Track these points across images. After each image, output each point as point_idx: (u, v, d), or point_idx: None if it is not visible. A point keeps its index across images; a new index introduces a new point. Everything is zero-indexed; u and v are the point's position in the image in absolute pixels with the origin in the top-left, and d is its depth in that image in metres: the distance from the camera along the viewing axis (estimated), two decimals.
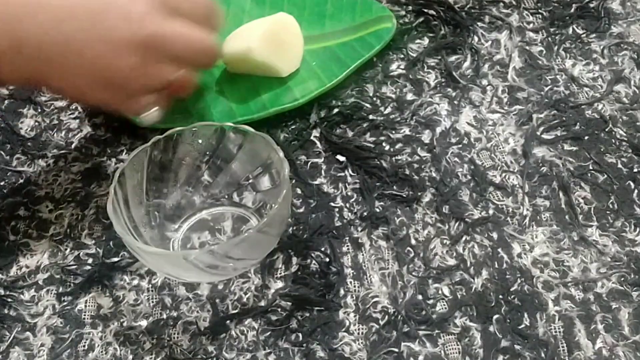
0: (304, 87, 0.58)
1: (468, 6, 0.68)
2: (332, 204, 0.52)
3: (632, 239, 0.49)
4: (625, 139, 0.55)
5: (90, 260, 0.50)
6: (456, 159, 0.55)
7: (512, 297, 0.46)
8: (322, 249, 0.49)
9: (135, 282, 0.48)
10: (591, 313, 0.45)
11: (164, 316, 0.46)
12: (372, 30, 0.63)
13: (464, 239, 0.49)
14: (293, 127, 0.58)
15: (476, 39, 0.65)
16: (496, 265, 0.48)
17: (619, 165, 0.53)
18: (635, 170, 0.53)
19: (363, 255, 0.49)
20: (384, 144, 0.56)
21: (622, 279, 0.46)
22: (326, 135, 0.56)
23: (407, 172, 0.54)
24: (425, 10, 0.67)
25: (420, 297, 0.46)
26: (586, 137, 0.56)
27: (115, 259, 0.49)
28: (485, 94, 0.60)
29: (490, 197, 0.52)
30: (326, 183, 0.53)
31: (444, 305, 0.46)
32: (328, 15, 0.64)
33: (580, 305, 0.45)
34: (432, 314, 0.45)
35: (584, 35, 0.65)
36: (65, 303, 0.47)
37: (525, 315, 0.45)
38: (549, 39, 0.64)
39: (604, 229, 0.49)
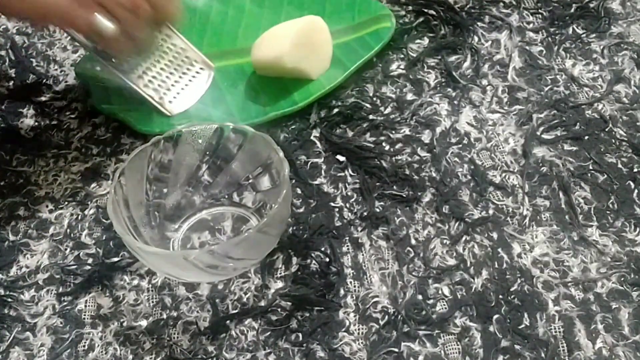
0: (303, 90, 0.59)
1: (468, 6, 0.68)
2: (332, 204, 0.52)
3: (632, 239, 0.49)
4: (625, 139, 0.55)
5: (90, 260, 0.50)
6: (456, 159, 0.55)
7: (512, 297, 0.46)
8: (322, 249, 0.49)
9: (135, 282, 0.48)
10: (591, 313, 0.45)
11: (164, 316, 0.46)
12: (371, 30, 0.63)
13: (464, 239, 0.49)
14: (293, 127, 0.58)
15: (476, 39, 0.65)
16: (496, 265, 0.48)
17: (619, 165, 0.53)
18: (635, 170, 0.53)
19: (363, 255, 0.49)
20: (384, 144, 0.56)
21: (622, 279, 0.46)
22: (326, 135, 0.56)
23: (407, 172, 0.54)
24: (425, 10, 0.67)
25: (420, 297, 0.46)
26: (586, 137, 0.56)
27: (115, 259, 0.49)
28: (485, 94, 0.60)
29: (490, 197, 0.52)
30: (326, 183, 0.53)
31: (444, 305, 0.46)
32: (327, 15, 0.64)
33: (580, 305, 0.45)
34: (432, 314, 0.45)
35: (584, 35, 0.65)
36: (65, 303, 0.47)
37: (525, 315, 0.45)
38: (549, 39, 0.64)
39: (604, 229, 0.49)
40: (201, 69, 0.60)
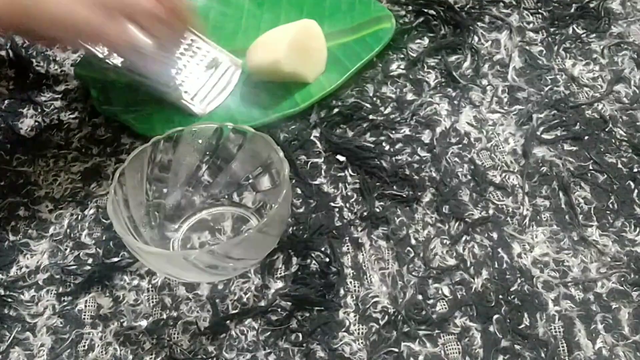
0: (304, 91, 0.59)
1: (468, 6, 0.68)
2: (332, 204, 0.52)
3: (632, 239, 0.49)
4: (625, 139, 0.55)
5: (90, 260, 0.50)
6: (456, 159, 0.55)
7: (512, 297, 0.46)
8: (322, 249, 0.49)
9: (135, 282, 0.48)
10: (591, 313, 0.45)
11: (164, 316, 0.46)
12: (371, 31, 0.63)
13: (464, 239, 0.49)
14: (293, 127, 0.58)
15: (476, 39, 0.65)
16: (496, 265, 0.48)
17: (619, 165, 0.53)
18: (635, 170, 0.53)
19: (363, 255, 0.49)
20: (384, 144, 0.56)
21: (622, 279, 0.46)
22: (326, 135, 0.56)
23: (407, 172, 0.54)
24: (425, 10, 0.67)
25: (420, 297, 0.46)
26: (586, 137, 0.56)
27: (115, 259, 0.49)
28: (485, 94, 0.60)
29: (490, 197, 0.52)
30: (326, 183, 0.53)
31: (444, 305, 0.46)
32: (327, 16, 0.64)
33: (580, 305, 0.45)
34: (432, 314, 0.45)
35: (584, 35, 0.65)
36: (65, 303, 0.47)
37: (525, 315, 0.45)
38: (549, 39, 0.64)
39: (604, 229, 0.49)
40: (227, 67, 0.60)
